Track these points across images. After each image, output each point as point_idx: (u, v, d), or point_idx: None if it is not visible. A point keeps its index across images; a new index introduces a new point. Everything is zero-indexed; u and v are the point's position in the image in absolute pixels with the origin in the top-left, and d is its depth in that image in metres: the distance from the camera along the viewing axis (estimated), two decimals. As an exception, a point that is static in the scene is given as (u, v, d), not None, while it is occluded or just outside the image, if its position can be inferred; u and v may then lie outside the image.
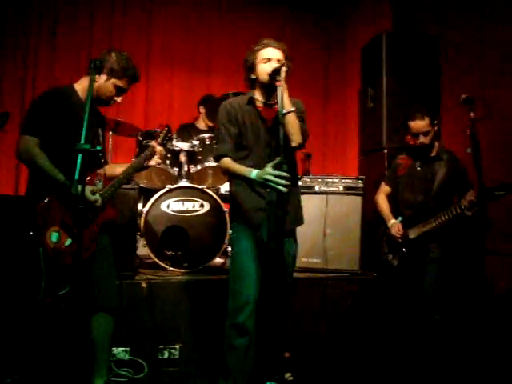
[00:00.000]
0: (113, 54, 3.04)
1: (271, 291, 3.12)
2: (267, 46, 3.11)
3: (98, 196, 2.87)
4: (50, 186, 2.83)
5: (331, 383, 3.61)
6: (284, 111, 2.84)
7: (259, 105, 3.17)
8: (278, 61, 3.04)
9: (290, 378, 3.54)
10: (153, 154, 3.26)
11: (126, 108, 6.23)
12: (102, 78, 2.99)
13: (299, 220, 3.30)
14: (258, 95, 3.19)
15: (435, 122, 3.79)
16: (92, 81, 2.51)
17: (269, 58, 3.07)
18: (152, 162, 3.27)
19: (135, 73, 3.13)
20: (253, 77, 3.16)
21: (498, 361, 3.55)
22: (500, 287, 4.03)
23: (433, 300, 3.68)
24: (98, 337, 3.06)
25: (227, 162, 3.12)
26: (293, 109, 2.96)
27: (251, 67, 3.14)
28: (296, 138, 3.00)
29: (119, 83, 3.04)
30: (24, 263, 3.09)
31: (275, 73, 2.89)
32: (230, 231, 3.26)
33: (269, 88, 3.10)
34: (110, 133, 5.17)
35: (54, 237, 2.80)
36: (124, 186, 3.94)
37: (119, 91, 3.08)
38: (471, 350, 3.67)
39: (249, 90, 3.26)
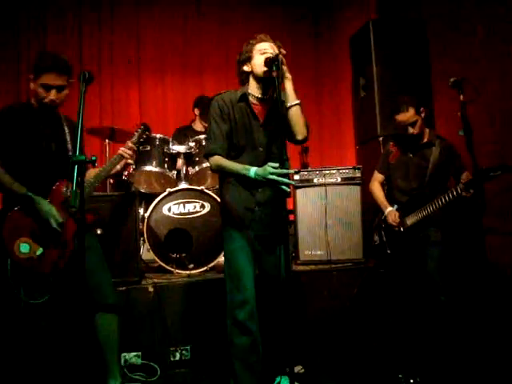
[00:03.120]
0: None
1: (269, 288, 3.16)
2: (263, 40, 3.08)
3: (53, 215, 2.93)
4: (15, 199, 2.93)
5: (342, 374, 3.62)
6: (292, 103, 2.90)
7: (252, 100, 3.11)
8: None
9: (302, 371, 3.58)
10: (123, 156, 3.25)
11: (120, 114, 6.28)
12: (31, 85, 3.03)
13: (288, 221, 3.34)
14: (252, 89, 3.12)
15: (421, 109, 3.81)
16: (82, 92, 2.54)
17: (266, 49, 3.03)
18: (129, 161, 3.30)
19: (48, 62, 2.97)
20: (247, 69, 3.11)
21: (504, 339, 3.59)
22: (502, 265, 4.06)
23: (437, 282, 3.71)
24: (103, 337, 3.12)
25: (218, 158, 3.05)
26: (298, 101, 2.96)
27: (247, 59, 3.09)
28: (302, 131, 3.00)
29: (41, 81, 2.97)
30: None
31: (272, 62, 2.85)
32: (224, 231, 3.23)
33: (264, 81, 3.04)
34: (107, 140, 5.20)
35: (24, 248, 2.87)
36: (123, 192, 4.00)
37: (46, 88, 2.98)
38: (477, 329, 3.70)
39: (240, 85, 3.21)
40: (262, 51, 3.03)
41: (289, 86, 2.92)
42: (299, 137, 2.99)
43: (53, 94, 2.99)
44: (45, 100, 3.00)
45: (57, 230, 2.93)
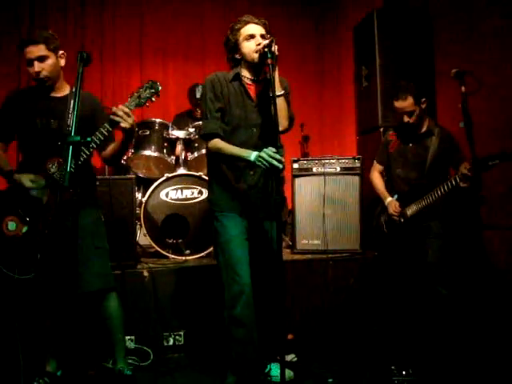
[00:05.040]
0: None
1: (263, 275, 3.12)
2: (248, 22, 3.02)
3: (32, 184, 2.89)
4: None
5: (335, 363, 3.61)
6: (277, 93, 2.79)
7: (246, 80, 3.09)
8: (262, 36, 2.97)
9: (294, 359, 3.58)
10: (113, 121, 2.80)
11: (122, 98, 6.21)
12: None
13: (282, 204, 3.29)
14: (244, 72, 3.10)
15: (422, 99, 3.76)
16: (79, 73, 2.51)
17: (252, 34, 2.99)
18: (122, 125, 2.78)
19: (23, 38, 3.05)
20: (238, 57, 3.08)
21: (501, 333, 3.58)
22: (500, 260, 4.05)
23: (437, 274, 3.70)
24: (106, 319, 3.18)
25: (218, 142, 3.01)
26: (282, 92, 2.93)
27: (234, 47, 3.06)
28: (283, 122, 2.94)
29: (25, 59, 2.99)
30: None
31: (266, 48, 2.80)
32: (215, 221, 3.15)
33: (256, 66, 3.03)
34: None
35: (11, 225, 2.90)
36: (121, 176, 4.00)
37: (29, 63, 2.97)
38: (475, 321, 3.70)
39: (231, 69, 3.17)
40: (248, 38, 2.99)
41: (275, 74, 2.84)
42: (280, 128, 2.85)
43: (36, 66, 2.95)
44: (33, 76, 2.99)
45: (39, 203, 2.90)
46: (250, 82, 3.10)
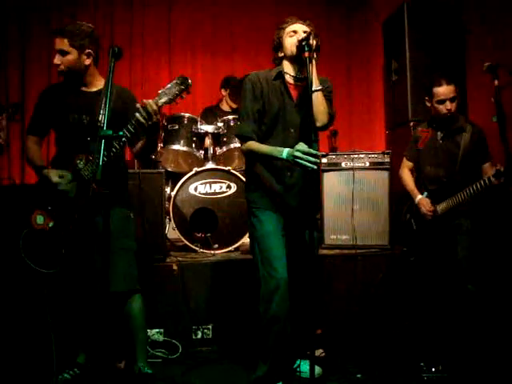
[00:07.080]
0: None
1: (299, 272, 3.09)
2: (293, 22, 3.05)
3: (59, 179, 2.88)
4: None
5: (364, 359, 3.60)
6: (313, 88, 2.79)
7: (288, 79, 3.08)
8: (305, 32, 2.95)
9: (323, 355, 3.57)
10: (138, 120, 2.76)
11: (149, 93, 6.27)
12: None
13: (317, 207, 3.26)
14: (287, 69, 3.08)
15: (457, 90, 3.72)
16: (111, 67, 2.51)
17: (295, 30, 3.01)
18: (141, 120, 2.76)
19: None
20: (280, 54, 3.10)
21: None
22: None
23: (466, 271, 3.66)
24: (128, 322, 3.13)
25: (251, 144, 3.01)
26: (320, 87, 2.91)
27: (278, 44, 3.08)
28: (322, 118, 2.92)
29: None
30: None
31: (303, 41, 2.80)
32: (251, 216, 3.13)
33: (297, 62, 3.02)
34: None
35: (39, 219, 2.91)
36: (150, 170, 4.03)
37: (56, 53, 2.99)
38: (506, 318, 3.65)
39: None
40: (291, 34, 3.01)
41: (313, 69, 2.84)
42: (318, 123, 2.90)
43: (55, 58, 2.95)
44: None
45: (66, 198, 2.90)
46: (291, 82, 3.08)
